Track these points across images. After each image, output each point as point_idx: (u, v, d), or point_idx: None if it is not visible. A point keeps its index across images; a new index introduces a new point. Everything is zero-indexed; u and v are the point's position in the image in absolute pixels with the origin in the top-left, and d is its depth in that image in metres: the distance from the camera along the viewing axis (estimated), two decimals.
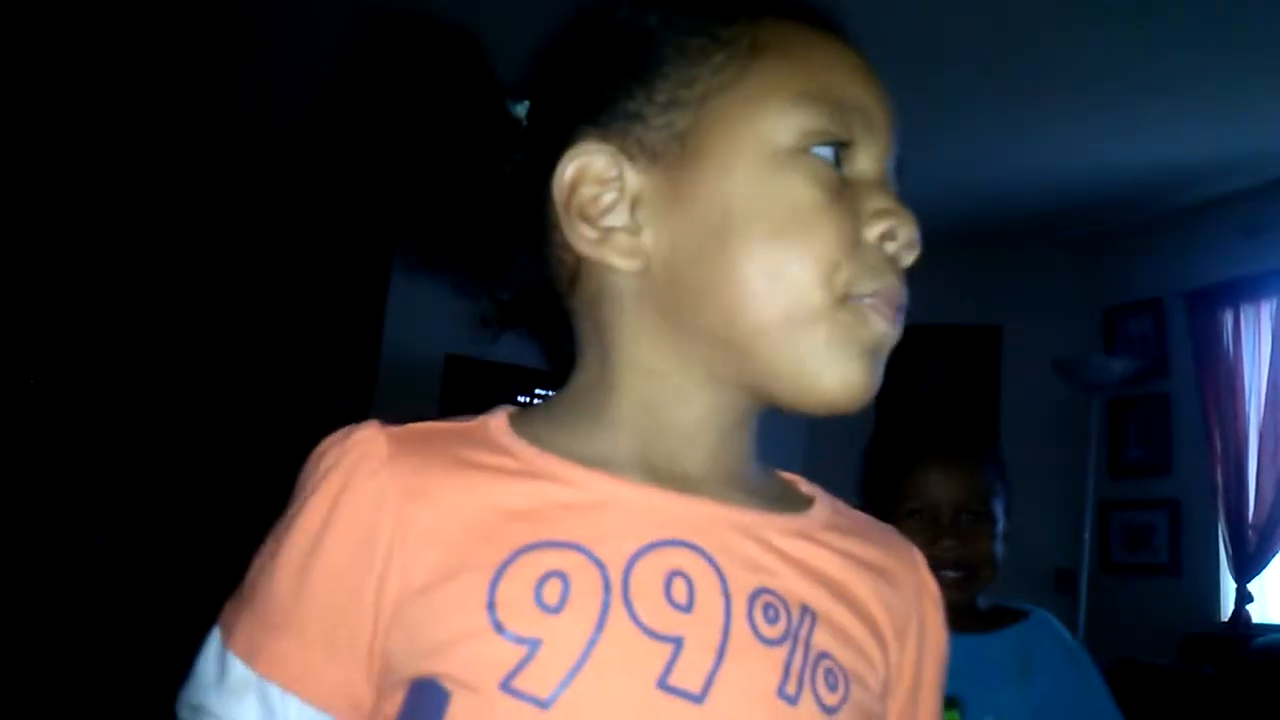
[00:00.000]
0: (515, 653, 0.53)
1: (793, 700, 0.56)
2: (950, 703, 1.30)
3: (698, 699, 0.54)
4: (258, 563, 0.61)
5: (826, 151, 0.60)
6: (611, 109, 0.61)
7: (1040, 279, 4.81)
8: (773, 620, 0.57)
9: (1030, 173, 4.15)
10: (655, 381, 0.62)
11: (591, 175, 0.61)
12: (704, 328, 0.60)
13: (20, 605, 3.65)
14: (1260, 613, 3.85)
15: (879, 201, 0.61)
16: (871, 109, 0.62)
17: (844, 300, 0.60)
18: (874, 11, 3.15)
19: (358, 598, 0.56)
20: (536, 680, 0.53)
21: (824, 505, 0.66)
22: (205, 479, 4.25)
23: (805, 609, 0.59)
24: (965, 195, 4.40)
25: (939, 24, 3.20)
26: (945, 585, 1.37)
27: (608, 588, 0.55)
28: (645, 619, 0.55)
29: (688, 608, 0.56)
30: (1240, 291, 4.04)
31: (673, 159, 0.60)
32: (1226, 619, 3.91)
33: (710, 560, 0.58)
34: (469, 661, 0.54)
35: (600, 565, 0.56)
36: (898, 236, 0.62)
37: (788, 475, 0.69)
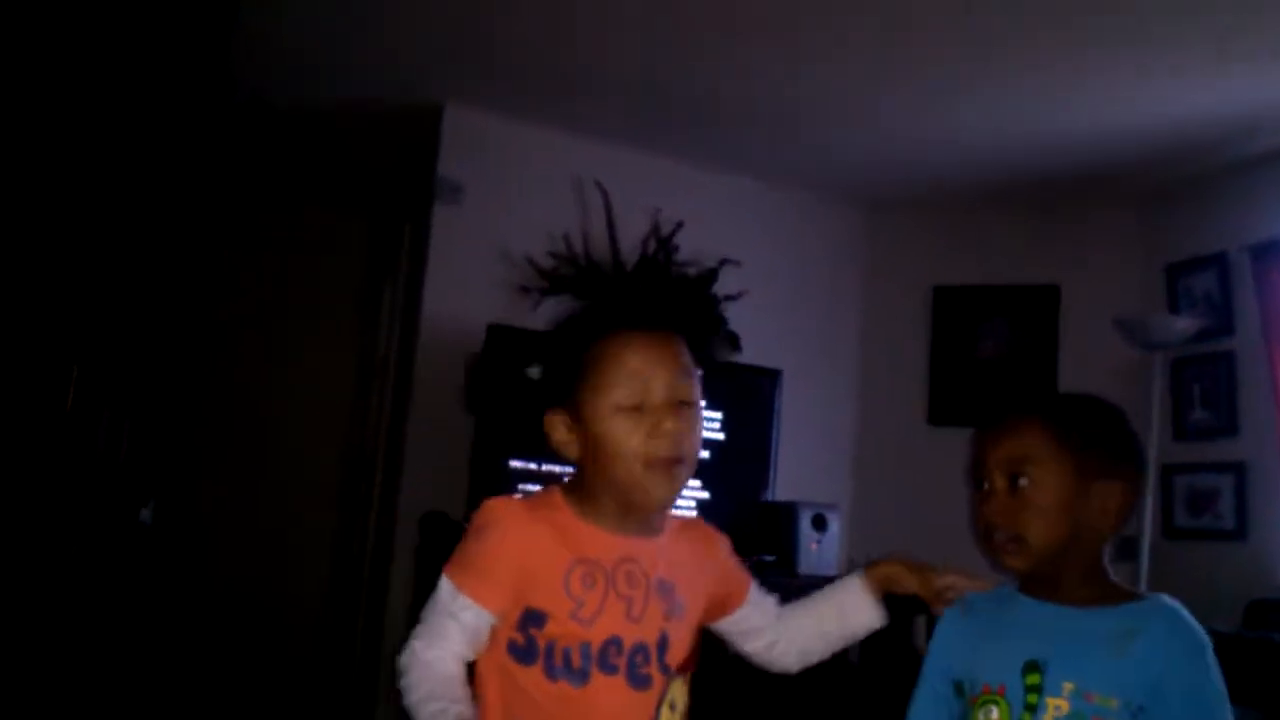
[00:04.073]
0: (574, 603, 1.26)
1: (669, 618, 1.31)
2: (1033, 666, 1.30)
3: (639, 620, 1.28)
4: (466, 546, 1.30)
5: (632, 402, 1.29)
6: (574, 402, 1.32)
7: (1099, 235, 4.69)
8: (664, 588, 1.32)
9: (1087, 126, 4.02)
10: (605, 489, 1.31)
11: (560, 426, 1.34)
12: (601, 476, 1.31)
13: (61, 583, 3.70)
14: None
15: (657, 417, 1.27)
16: (653, 379, 1.28)
17: (650, 463, 1.28)
18: None
19: (513, 571, 1.26)
20: (586, 614, 1.25)
21: (670, 526, 1.38)
22: (252, 450, 4.29)
23: (671, 582, 1.33)
24: (1021, 152, 4.29)
25: None
26: (997, 550, 1.35)
27: (608, 579, 1.28)
28: (620, 590, 1.28)
29: (634, 586, 1.29)
30: None
31: (583, 423, 1.31)
32: None
33: (640, 565, 1.30)
34: (557, 604, 1.25)
35: (605, 570, 1.29)
36: (669, 430, 1.27)
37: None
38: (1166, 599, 1.34)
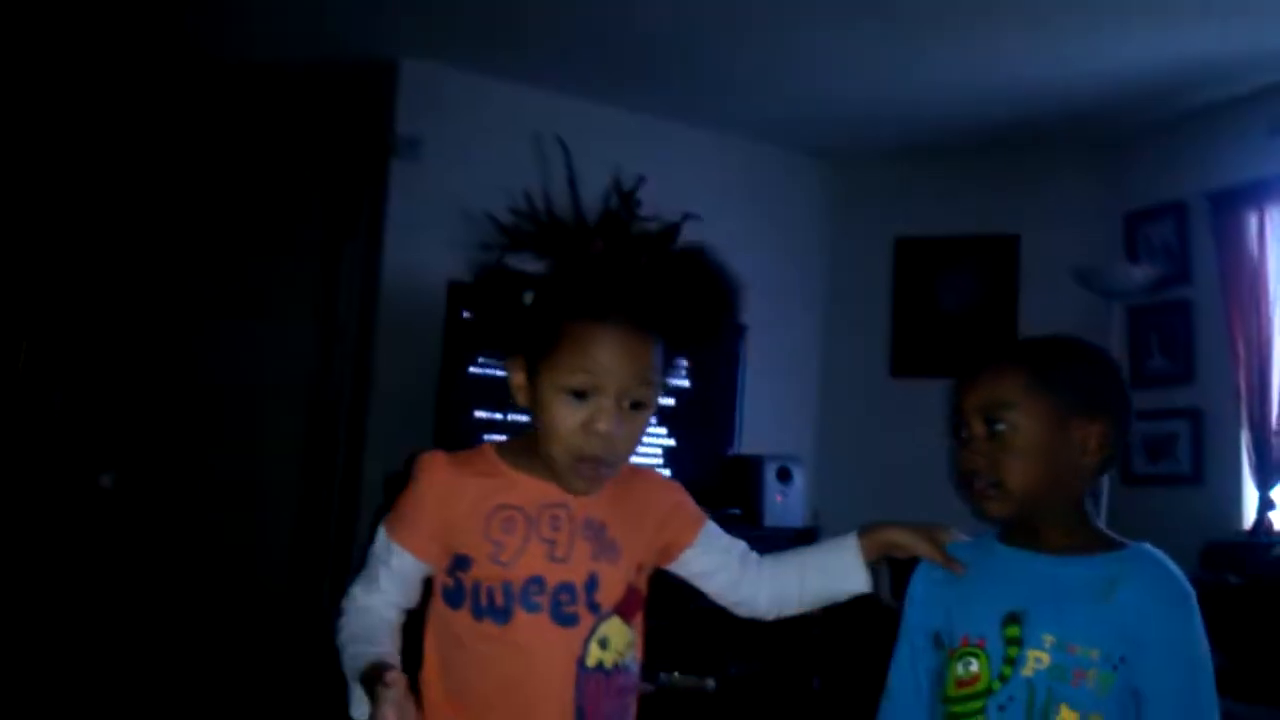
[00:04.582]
0: (494, 546, 1.29)
1: (598, 559, 1.32)
2: (1013, 618, 1.28)
3: (564, 561, 1.30)
4: (401, 501, 1.36)
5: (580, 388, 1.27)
6: (532, 354, 1.30)
7: (1059, 185, 4.71)
8: (594, 530, 1.33)
9: (1045, 74, 4.02)
10: (543, 445, 1.31)
11: (518, 373, 1.34)
12: (540, 438, 1.31)
13: (25, 548, 3.66)
14: None
15: (596, 415, 1.26)
16: (607, 377, 1.25)
17: (579, 458, 1.28)
18: None
19: (437, 520, 1.32)
20: (505, 557, 1.29)
21: (611, 480, 1.34)
22: (210, 421, 4.24)
23: (602, 524, 1.34)
24: (978, 100, 4.29)
25: None
26: (977, 497, 1.34)
27: (530, 523, 1.31)
28: (543, 533, 1.31)
29: (558, 529, 1.31)
30: (1265, 192, 3.93)
31: (535, 384, 1.30)
32: (1249, 527, 3.88)
33: (568, 509, 1.32)
34: (478, 548, 1.29)
35: (527, 514, 1.32)
36: (601, 431, 1.26)
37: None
38: (1149, 548, 1.32)
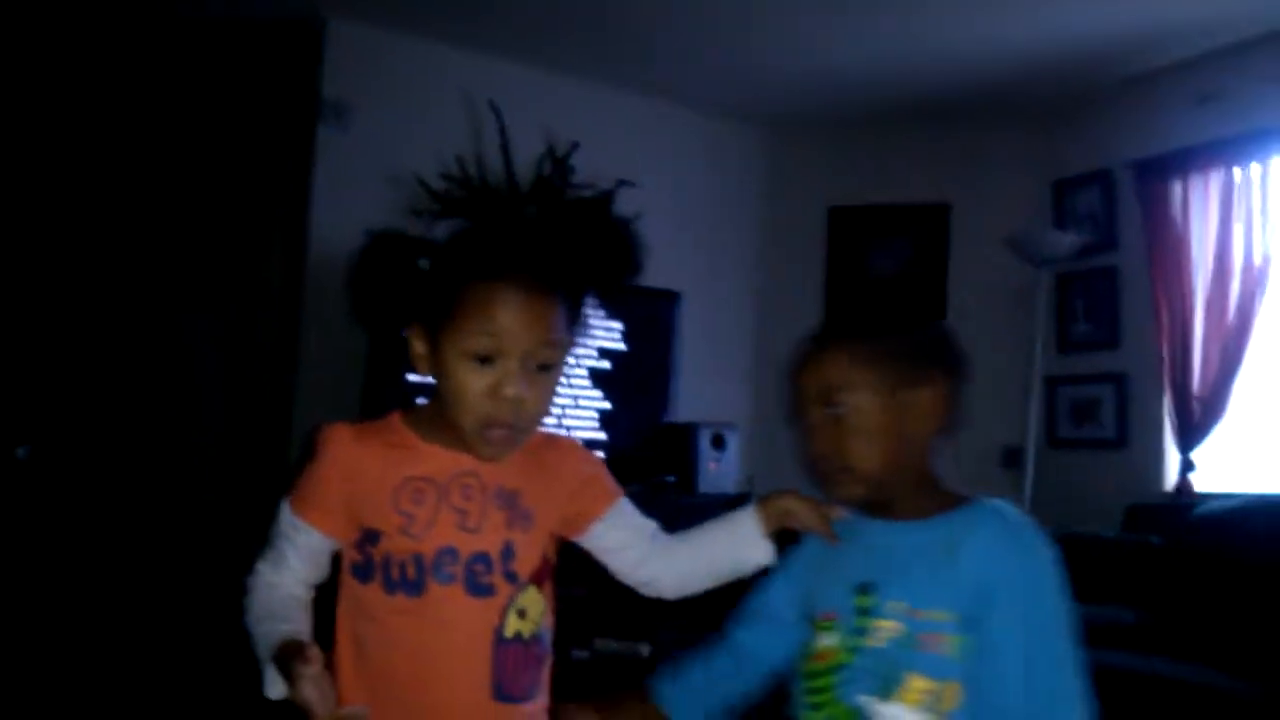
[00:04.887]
0: (404, 519, 1.27)
1: (512, 527, 1.30)
2: (864, 588, 1.27)
3: (476, 531, 1.28)
4: (304, 475, 1.32)
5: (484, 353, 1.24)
6: (432, 321, 1.27)
7: (990, 153, 4.75)
8: (506, 498, 1.31)
9: (975, 43, 4.05)
10: (450, 413, 1.28)
11: (418, 342, 1.31)
12: (445, 407, 1.28)
13: None
14: (1203, 482, 3.91)
15: (502, 379, 1.23)
16: (510, 339, 1.22)
17: (487, 424, 1.25)
18: None
19: (342, 493, 1.29)
20: (416, 529, 1.27)
21: (527, 443, 1.32)
22: (133, 389, 4.14)
23: (515, 492, 1.32)
24: (911, 70, 4.30)
25: None
26: (829, 482, 1.32)
27: (440, 493, 1.28)
28: (454, 503, 1.29)
29: (469, 498, 1.29)
30: (1189, 161, 4.00)
31: (437, 351, 1.27)
32: (1171, 489, 3.98)
33: (479, 478, 1.30)
34: (387, 521, 1.27)
35: (437, 485, 1.29)
36: (508, 395, 1.23)
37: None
38: (993, 501, 1.30)
